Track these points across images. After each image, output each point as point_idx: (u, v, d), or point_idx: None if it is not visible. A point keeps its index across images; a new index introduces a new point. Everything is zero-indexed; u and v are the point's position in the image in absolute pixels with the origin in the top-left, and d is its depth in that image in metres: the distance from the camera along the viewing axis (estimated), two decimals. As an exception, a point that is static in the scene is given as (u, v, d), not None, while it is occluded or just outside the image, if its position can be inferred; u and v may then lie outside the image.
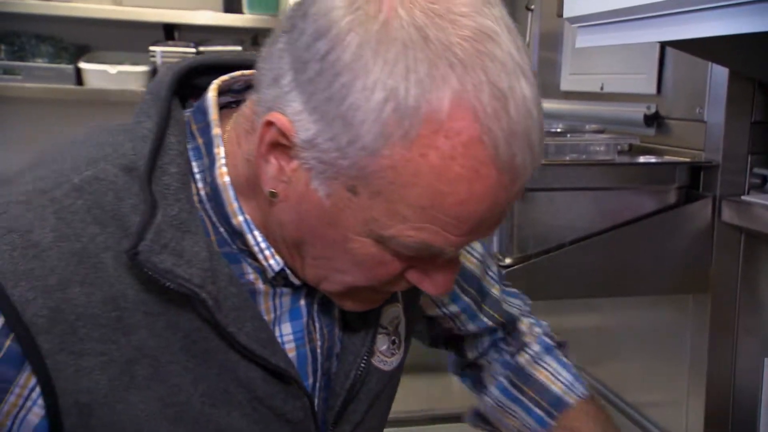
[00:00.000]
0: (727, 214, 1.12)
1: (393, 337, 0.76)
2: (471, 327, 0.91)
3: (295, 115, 0.55)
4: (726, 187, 1.13)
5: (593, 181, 1.14)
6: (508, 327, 0.94)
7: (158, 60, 2.29)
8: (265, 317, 0.66)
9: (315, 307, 0.69)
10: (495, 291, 0.91)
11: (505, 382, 0.92)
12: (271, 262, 0.64)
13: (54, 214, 0.58)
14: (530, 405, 0.90)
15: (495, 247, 1.16)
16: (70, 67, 2.25)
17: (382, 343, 0.75)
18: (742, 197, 1.10)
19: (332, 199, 0.56)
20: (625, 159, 1.21)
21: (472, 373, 0.98)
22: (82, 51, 2.37)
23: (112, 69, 2.26)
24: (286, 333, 0.68)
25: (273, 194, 0.59)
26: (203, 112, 0.65)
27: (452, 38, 0.52)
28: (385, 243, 0.57)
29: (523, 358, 0.93)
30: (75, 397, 0.57)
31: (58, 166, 0.62)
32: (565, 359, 0.93)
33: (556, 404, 0.89)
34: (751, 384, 1.17)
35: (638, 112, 1.27)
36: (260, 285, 0.66)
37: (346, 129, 0.53)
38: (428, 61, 0.51)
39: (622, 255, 1.14)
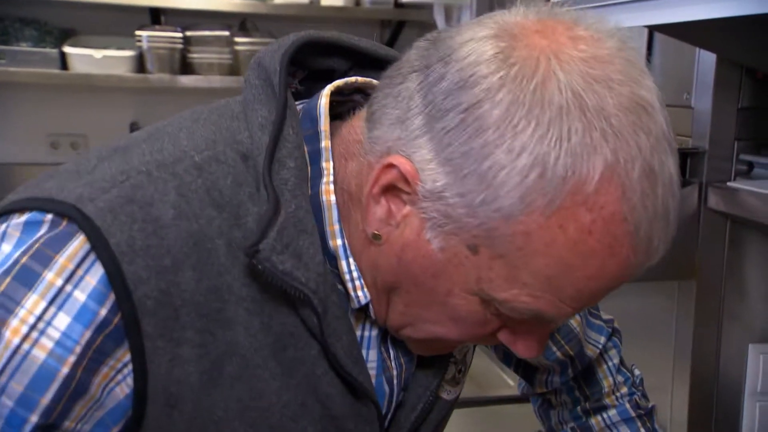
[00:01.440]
0: (713, 201, 1.12)
1: (460, 366, 0.73)
2: (541, 358, 0.86)
3: (422, 163, 0.52)
4: (712, 174, 1.13)
5: None
6: (580, 365, 0.89)
7: (144, 45, 2.28)
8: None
9: (389, 336, 0.66)
10: (574, 322, 0.85)
11: None
12: (359, 293, 0.61)
13: (175, 189, 0.55)
14: None
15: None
16: (55, 51, 2.24)
17: (449, 373, 0.72)
18: (728, 183, 1.10)
19: (446, 254, 0.53)
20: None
21: (542, 404, 0.96)
22: (67, 35, 2.36)
23: (98, 53, 2.25)
24: (371, 359, 0.65)
25: (376, 236, 0.57)
26: (312, 119, 0.61)
27: (609, 108, 0.49)
28: (493, 304, 0.55)
29: (595, 422, 0.89)
30: (165, 385, 0.55)
31: (176, 141, 0.59)
32: (644, 431, 0.89)
33: None
34: (735, 370, 1.18)
35: (626, 97, 1.26)
36: (348, 304, 0.63)
37: (482, 188, 0.50)
38: (583, 129, 0.48)
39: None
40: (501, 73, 0.50)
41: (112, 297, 0.53)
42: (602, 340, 0.89)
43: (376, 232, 0.56)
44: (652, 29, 1.21)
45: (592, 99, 0.49)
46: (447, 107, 0.51)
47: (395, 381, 0.67)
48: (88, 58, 2.24)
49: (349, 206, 0.59)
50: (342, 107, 0.64)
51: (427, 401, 0.69)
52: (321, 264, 0.57)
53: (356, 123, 0.60)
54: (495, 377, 1.60)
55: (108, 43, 2.33)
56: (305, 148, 0.60)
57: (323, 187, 0.59)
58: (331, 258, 0.60)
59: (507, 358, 0.91)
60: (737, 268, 1.16)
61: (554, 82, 0.49)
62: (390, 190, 0.55)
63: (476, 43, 0.52)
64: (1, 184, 2.20)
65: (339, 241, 0.60)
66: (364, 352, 0.64)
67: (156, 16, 2.41)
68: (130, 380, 0.55)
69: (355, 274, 0.60)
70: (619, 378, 0.91)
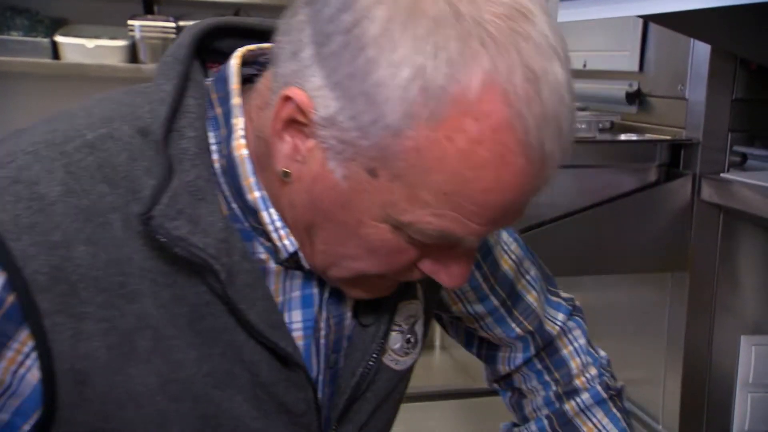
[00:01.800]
0: (707, 192, 1.13)
1: (408, 336, 0.72)
2: (497, 332, 0.86)
3: (314, 91, 0.52)
4: (706, 165, 1.13)
5: (574, 158, 1.08)
6: (541, 342, 0.88)
7: (137, 34, 2.25)
8: (274, 299, 0.63)
9: (326, 295, 0.66)
10: (531, 298, 0.85)
11: (547, 425, 0.88)
12: (285, 242, 0.60)
13: (63, 168, 0.55)
14: None
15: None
16: (47, 40, 2.20)
17: (396, 342, 0.71)
18: (722, 175, 1.11)
19: (349, 181, 0.53)
20: (606, 136, 1.21)
21: (511, 395, 0.94)
22: (58, 24, 2.32)
23: (90, 43, 2.22)
24: (295, 320, 0.65)
25: (286, 174, 0.56)
26: (224, 81, 0.61)
27: (486, 15, 0.48)
28: (403, 229, 0.54)
29: (569, 407, 0.87)
30: (71, 362, 0.54)
31: (73, 121, 0.59)
32: (615, 411, 0.88)
33: None
34: (727, 361, 1.19)
35: (620, 89, 1.27)
36: (272, 265, 0.62)
37: (369, 107, 0.50)
38: (459, 38, 0.48)
39: (601, 233, 1.14)
40: None
41: (2, 276, 0.52)
42: (560, 316, 0.89)
43: (285, 169, 0.56)
44: (647, 19, 1.21)
45: (467, 8, 0.48)
46: (331, 31, 0.51)
47: (323, 342, 0.66)
48: (80, 48, 2.22)
49: (264, 153, 0.59)
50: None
51: (366, 367, 0.68)
52: (223, 230, 0.57)
53: (267, 73, 0.60)
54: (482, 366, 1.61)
55: (100, 32, 2.30)
56: (219, 110, 0.61)
57: (234, 144, 0.59)
58: (253, 212, 0.60)
59: (469, 342, 0.91)
60: (730, 260, 1.17)
61: None
62: (291, 124, 0.54)
63: None
64: (-8, 175, 2.16)
65: (257, 194, 0.59)
66: (288, 314, 0.64)
67: (149, 6, 2.38)
68: (39, 363, 0.54)
69: (278, 224, 0.60)
70: (587, 359, 0.90)
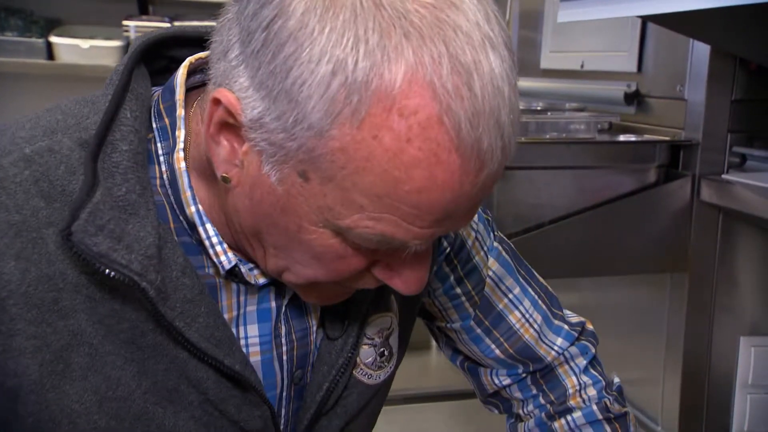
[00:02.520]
0: (706, 193, 1.12)
1: (382, 349, 0.70)
2: (475, 350, 0.82)
3: (241, 92, 0.50)
4: (705, 166, 1.12)
5: (573, 159, 1.13)
6: (533, 366, 0.84)
7: (132, 35, 2.24)
8: (226, 315, 0.61)
9: (283, 309, 0.64)
10: (513, 318, 0.80)
11: None
12: (222, 258, 0.59)
13: None
14: None
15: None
16: (41, 41, 2.19)
17: (368, 356, 0.69)
18: (722, 176, 1.09)
19: (284, 185, 0.51)
20: (605, 137, 1.20)
21: (508, 416, 0.91)
22: (53, 24, 2.31)
23: (85, 43, 2.21)
24: (251, 335, 0.63)
25: (225, 179, 0.54)
26: (171, 91, 0.60)
27: (409, 5, 0.46)
28: (344, 235, 0.52)
29: (559, 425, 0.83)
30: (1, 379, 0.53)
31: (16, 133, 0.58)
32: None
33: None
34: (726, 362, 1.18)
35: (619, 90, 1.26)
36: (221, 279, 0.61)
37: (291, 106, 0.47)
38: (380, 29, 0.45)
39: (601, 234, 1.13)
40: None
41: None
42: (559, 341, 0.84)
43: (224, 174, 0.54)
44: (646, 20, 1.20)
45: None
46: (253, 28, 0.48)
47: (285, 358, 0.64)
48: (75, 49, 2.20)
49: (206, 159, 0.56)
50: None
51: (333, 381, 0.65)
52: (153, 246, 0.54)
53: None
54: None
55: (95, 33, 2.29)
56: (166, 120, 0.59)
57: (175, 156, 0.58)
58: (193, 226, 0.58)
59: (454, 355, 0.88)
60: (729, 261, 1.16)
61: None
62: (224, 127, 0.52)
63: None
64: (-13, 176, 2.14)
65: (192, 208, 0.58)
66: (242, 329, 0.62)
67: (144, 6, 2.36)
68: None
69: (214, 240, 0.58)
70: (586, 379, 0.85)
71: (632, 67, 1.25)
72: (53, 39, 2.20)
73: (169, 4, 2.36)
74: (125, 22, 2.25)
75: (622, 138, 1.19)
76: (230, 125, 0.52)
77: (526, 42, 1.65)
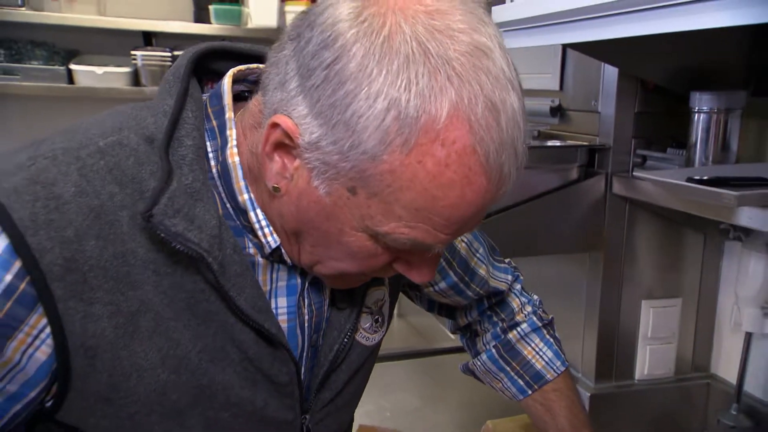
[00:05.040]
0: (616, 188, 1.09)
1: (376, 316, 0.69)
2: (459, 299, 0.84)
3: (300, 119, 0.48)
4: (615, 166, 1.10)
5: None
6: (495, 299, 0.87)
7: (138, 62, 2.17)
8: (262, 288, 0.58)
9: (306, 285, 0.61)
10: (482, 271, 0.82)
11: (495, 353, 0.86)
12: (269, 239, 0.56)
13: (77, 171, 0.50)
14: (514, 376, 0.85)
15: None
16: (62, 68, 2.10)
17: (366, 321, 0.67)
18: (628, 173, 1.07)
19: (332, 197, 0.49)
20: (536, 143, 1.16)
21: (468, 336, 0.92)
22: (72, 54, 2.22)
23: (99, 70, 2.12)
24: (281, 306, 0.60)
25: (276, 189, 0.52)
26: (219, 97, 0.57)
27: (451, 53, 0.45)
28: (379, 238, 0.50)
29: (512, 335, 0.85)
30: (82, 339, 0.50)
31: (86, 131, 0.54)
32: (549, 337, 0.86)
33: (536, 378, 0.84)
34: (631, 320, 1.17)
35: (545, 104, 1.22)
36: (259, 258, 0.58)
37: (348, 134, 0.46)
38: (428, 73, 0.44)
39: (535, 222, 1.09)
40: (354, 30, 0.45)
41: (17, 264, 0.48)
42: (508, 277, 0.86)
43: (275, 185, 0.52)
44: (566, 47, 1.17)
45: (435, 47, 0.45)
46: (314, 66, 0.47)
47: (306, 325, 0.62)
48: (91, 74, 2.12)
49: (256, 168, 0.54)
50: (251, 95, 0.59)
51: (342, 344, 0.64)
52: (216, 227, 0.52)
53: (257, 97, 0.55)
54: (439, 332, 1.57)
55: (108, 61, 2.21)
56: (214, 123, 0.57)
57: (228, 152, 0.55)
58: (243, 212, 0.56)
59: (430, 306, 0.88)
60: (634, 241, 1.14)
61: (400, 34, 0.45)
62: (280, 146, 0.50)
63: (334, 7, 0.48)
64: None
65: (246, 196, 0.55)
66: (273, 300, 0.60)
67: (148, 39, 2.28)
68: (50, 341, 0.50)
69: (263, 223, 0.56)
70: (524, 299, 0.88)
71: (555, 86, 1.22)
72: (73, 66, 2.11)
73: (168, 37, 2.28)
74: (133, 52, 2.17)
75: (549, 143, 1.15)
76: (285, 145, 0.50)
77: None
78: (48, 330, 0.49)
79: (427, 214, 0.47)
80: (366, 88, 0.45)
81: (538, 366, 0.84)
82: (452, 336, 0.95)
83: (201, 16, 2.28)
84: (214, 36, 2.26)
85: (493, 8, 1.02)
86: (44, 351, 0.50)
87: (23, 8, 2.04)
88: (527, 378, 0.84)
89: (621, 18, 0.76)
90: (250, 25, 2.23)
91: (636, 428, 1.18)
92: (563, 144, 1.14)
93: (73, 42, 2.25)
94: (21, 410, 0.52)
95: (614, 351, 1.17)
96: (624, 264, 1.14)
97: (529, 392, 0.84)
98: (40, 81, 2.07)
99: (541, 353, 0.85)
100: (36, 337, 0.49)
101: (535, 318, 0.87)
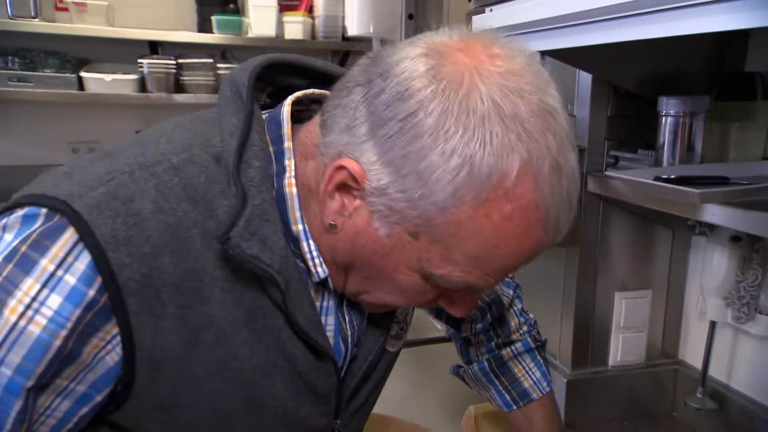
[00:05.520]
0: (591, 186, 1.10)
1: (402, 324, 0.68)
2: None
3: (368, 165, 0.47)
4: (590, 166, 1.10)
5: None
6: (497, 311, 0.86)
7: (145, 70, 2.17)
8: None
9: (344, 302, 0.61)
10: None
11: (486, 366, 0.85)
12: (319, 270, 0.55)
13: (154, 187, 0.49)
14: (502, 390, 0.85)
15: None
16: (73, 76, 2.11)
17: (393, 330, 0.67)
18: (606, 173, 1.08)
19: (392, 239, 0.49)
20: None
21: (462, 343, 0.92)
22: (83, 63, 2.23)
23: (108, 77, 2.12)
24: (329, 324, 0.60)
25: (332, 226, 0.51)
26: (278, 124, 0.55)
27: (523, 114, 0.45)
28: (432, 279, 0.50)
29: (506, 352, 0.85)
30: (150, 352, 0.49)
31: (157, 146, 0.53)
32: (540, 358, 0.86)
33: (522, 396, 0.84)
34: (605, 311, 1.17)
35: (524, 109, 1.22)
36: (310, 279, 0.57)
37: (420, 185, 0.45)
38: (502, 133, 0.44)
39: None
40: (432, 87, 0.45)
41: (99, 280, 0.47)
42: (511, 292, 0.87)
43: (332, 222, 0.51)
44: (544, 54, 1.17)
45: (508, 107, 0.44)
46: (388, 116, 0.46)
47: (349, 340, 0.62)
48: (100, 81, 2.12)
49: (308, 198, 0.54)
50: (302, 114, 0.58)
51: (375, 354, 0.64)
52: (284, 248, 0.51)
53: (312, 128, 0.54)
54: (427, 323, 1.57)
55: (116, 69, 2.22)
56: (271, 149, 0.55)
57: (286, 181, 0.54)
58: (294, 240, 0.54)
59: (438, 315, 0.87)
60: (608, 237, 1.14)
61: (477, 94, 0.45)
62: (342, 187, 0.50)
63: (410, 61, 0.47)
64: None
65: (300, 226, 0.54)
66: (323, 318, 0.59)
67: (154, 48, 2.29)
68: (119, 349, 0.49)
69: (315, 254, 0.55)
70: (522, 319, 0.88)
71: (534, 91, 1.22)
72: (83, 74, 2.12)
73: (173, 46, 2.29)
74: (139, 60, 2.18)
75: (527, 145, 1.16)
76: (348, 186, 0.49)
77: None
78: (119, 339, 0.48)
79: (485, 261, 0.47)
80: (442, 144, 0.44)
81: (526, 384, 0.84)
82: (440, 327, 0.95)
83: (204, 26, 2.29)
84: (216, 45, 2.27)
85: (474, 17, 1.03)
86: (113, 357, 0.49)
87: (36, 19, 2.05)
88: (514, 395, 0.84)
89: (593, 26, 0.76)
90: (250, 35, 2.24)
91: (610, 411, 1.19)
92: (541, 146, 1.15)
93: (84, 51, 2.26)
94: (87, 414, 0.51)
95: (589, 339, 1.18)
96: (598, 258, 1.14)
97: (515, 407, 0.85)
98: (52, 88, 2.07)
99: (530, 373, 0.84)
100: (108, 342, 0.49)
101: (529, 338, 0.86)
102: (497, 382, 0.85)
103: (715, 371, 1.13)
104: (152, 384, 0.51)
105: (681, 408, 1.18)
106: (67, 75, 2.10)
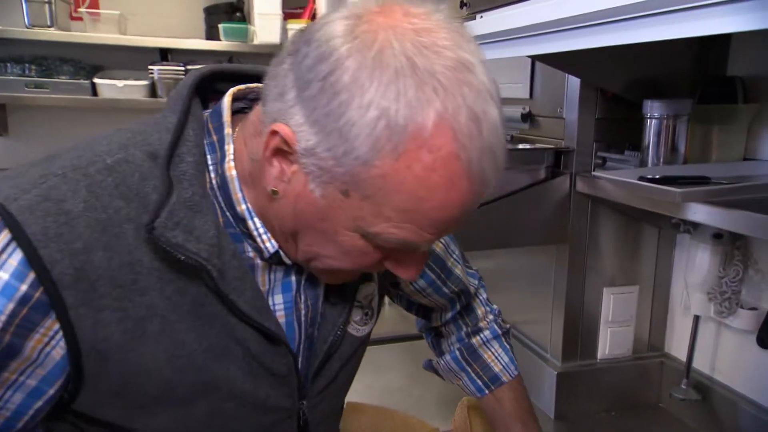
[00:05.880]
0: (580, 186, 1.10)
1: (366, 310, 0.68)
2: (436, 297, 0.83)
3: (297, 127, 0.47)
4: (579, 166, 1.11)
5: None
6: (464, 300, 0.86)
7: (155, 76, 2.17)
8: (261, 288, 0.58)
9: (302, 282, 0.61)
10: (457, 271, 0.82)
11: (458, 355, 0.85)
12: (267, 245, 0.56)
13: (86, 188, 0.50)
14: (474, 377, 0.85)
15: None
16: (87, 82, 2.11)
17: (357, 315, 0.67)
18: (593, 173, 1.08)
19: (326, 200, 0.49)
20: (509, 146, 1.16)
21: (433, 336, 0.91)
22: (96, 69, 2.23)
23: (120, 83, 2.13)
24: (278, 303, 0.60)
25: (274, 192, 0.51)
26: (219, 114, 0.56)
27: (437, 67, 0.44)
28: (370, 238, 0.50)
29: (475, 340, 0.85)
30: (93, 344, 0.50)
31: (95, 148, 0.53)
32: (506, 344, 0.86)
33: (493, 380, 0.84)
34: (594, 306, 1.17)
35: (517, 111, 1.23)
36: (258, 261, 0.57)
37: (342, 141, 0.45)
38: (416, 85, 0.44)
39: (506, 218, 1.10)
40: (348, 45, 0.45)
41: (31, 275, 0.47)
42: (476, 282, 0.87)
43: (274, 188, 0.51)
44: (533, 59, 1.18)
45: (422, 61, 0.44)
46: (310, 78, 0.46)
47: (303, 319, 0.62)
48: (113, 87, 2.12)
49: (255, 175, 0.54)
50: (248, 110, 0.59)
51: (335, 335, 0.63)
52: (214, 237, 0.51)
53: (258, 107, 0.55)
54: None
55: (127, 75, 2.22)
56: (214, 137, 0.55)
57: (226, 165, 0.55)
58: (242, 220, 0.55)
59: (409, 306, 0.87)
60: (596, 235, 1.15)
61: (390, 50, 0.44)
62: (278, 152, 0.50)
63: (330, 24, 0.47)
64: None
65: (243, 206, 0.55)
66: (272, 298, 0.59)
67: (164, 55, 2.29)
68: (63, 343, 0.49)
69: (261, 230, 0.55)
70: (487, 308, 0.88)
71: (526, 94, 1.22)
72: (96, 80, 2.12)
73: (182, 53, 2.29)
74: (150, 67, 2.18)
75: (520, 146, 1.16)
76: (283, 151, 0.49)
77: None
78: (61, 333, 0.49)
79: (415, 215, 0.47)
80: (358, 99, 0.44)
81: (496, 369, 0.84)
82: (420, 332, 0.95)
83: (212, 34, 2.30)
84: (223, 51, 2.28)
85: (465, 24, 1.03)
86: (58, 352, 0.49)
87: (52, 29, 2.07)
88: (486, 379, 0.84)
89: (579, 32, 0.77)
90: (255, 42, 2.24)
91: (599, 402, 1.19)
92: (533, 147, 1.14)
93: (97, 58, 2.26)
94: (42, 406, 0.51)
95: (579, 333, 1.18)
96: (587, 255, 1.15)
97: (486, 392, 0.85)
98: (67, 93, 2.08)
99: (499, 358, 0.85)
100: (51, 337, 0.49)
101: (495, 326, 0.87)
102: (469, 369, 0.85)
103: (699, 363, 1.13)
104: (102, 373, 0.51)
105: (666, 399, 1.19)
106: (81, 81, 2.11)
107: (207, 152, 0.56)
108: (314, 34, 0.47)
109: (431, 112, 0.44)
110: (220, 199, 0.55)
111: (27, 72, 2.10)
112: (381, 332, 1.51)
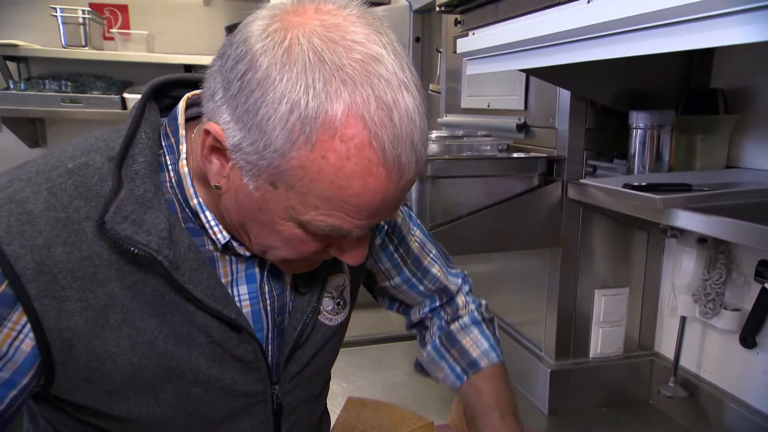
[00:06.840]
0: (571, 192, 1.10)
1: (338, 300, 0.67)
2: (413, 294, 0.82)
3: (225, 125, 0.48)
4: (570, 174, 1.10)
5: (482, 170, 1.10)
6: (445, 298, 0.84)
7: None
8: (223, 279, 0.58)
9: (265, 273, 0.61)
10: (435, 270, 0.80)
11: (438, 342, 0.82)
12: (219, 236, 0.56)
13: (47, 190, 0.51)
14: (453, 363, 0.81)
15: (414, 218, 1.11)
16: (117, 96, 2.15)
17: (328, 305, 0.66)
18: (581, 180, 1.08)
19: (259, 192, 0.49)
20: (504, 155, 1.17)
21: (419, 332, 0.88)
22: (126, 85, 2.27)
23: None
24: (243, 293, 0.60)
25: (217, 187, 0.52)
26: (175, 118, 0.58)
27: (344, 60, 0.44)
28: (304, 226, 0.50)
29: (453, 326, 0.82)
30: (58, 333, 0.50)
31: (61, 154, 0.55)
32: (488, 332, 0.83)
33: (471, 365, 0.80)
34: (586, 307, 1.17)
35: (512, 122, 1.23)
36: (218, 253, 0.58)
37: (261, 135, 0.46)
38: (324, 78, 0.44)
39: (502, 222, 1.10)
40: (260, 44, 0.46)
41: None
42: (459, 281, 0.85)
43: (216, 184, 0.52)
44: (527, 73, 1.18)
45: (329, 56, 0.44)
46: (231, 78, 0.47)
47: (269, 308, 0.61)
48: (141, 101, 2.16)
49: (201, 176, 0.55)
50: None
51: (305, 324, 0.63)
52: (165, 230, 0.52)
53: None
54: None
55: None
56: (172, 139, 0.56)
57: (179, 164, 0.56)
58: (196, 214, 0.56)
59: (390, 304, 0.86)
60: (587, 238, 1.14)
61: (297, 46, 0.45)
62: (214, 150, 0.50)
63: (249, 25, 0.48)
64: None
65: (195, 201, 0.55)
66: (236, 289, 0.59)
67: (188, 70, 2.33)
68: (32, 335, 0.50)
69: (212, 222, 0.56)
70: (469, 299, 0.86)
71: (521, 106, 1.23)
72: (126, 95, 2.16)
73: (205, 69, 2.31)
74: (176, 83, 2.21)
75: (515, 155, 1.15)
76: (218, 148, 0.50)
77: (451, 90, 1.61)
78: (29, 326, 0.49)
79: (338, 202, 0.47)
80: (271, 94, 0.44)
81: (474, 354, 0.80)
82: (409, 332, 0.92)
83: (232, 52, 2.32)
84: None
85: (458, 41, 1.04)
86: (28, 344, 0.50)
87: (86, 48, 2.12)
88: (463, 365, 0.80)
89: (568, 47, 0.77)
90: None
91: (591, 399, 1.19)
92: (527, 155, 1.15)
93: (127, 74, 2.31)
94: (18, 395, 0.52)
95: (571, 333, 1.18)
96: (579, 259, 1.14)
97: (465, 378, 0.79)
98: (99, 107, 2.12)
99: (478, 343, 0.81)
100: (20, 331, 0.49)
101: (476, 314, 0.84)
102: (447, 356, 0.81)
103: (686, 362, 1.12)
104: (70, 361, 0.51)
105: (655, 396, 1.18)
106: (112, 96, 2.15)
107: (166, 153, 0.57)
108: (236, 36, 0.48)
109: (340, 103, 0.44)
110: (179, 196, 0.56)
111: (63, 88, 2.15)
112: (385, 332, 1.52)
